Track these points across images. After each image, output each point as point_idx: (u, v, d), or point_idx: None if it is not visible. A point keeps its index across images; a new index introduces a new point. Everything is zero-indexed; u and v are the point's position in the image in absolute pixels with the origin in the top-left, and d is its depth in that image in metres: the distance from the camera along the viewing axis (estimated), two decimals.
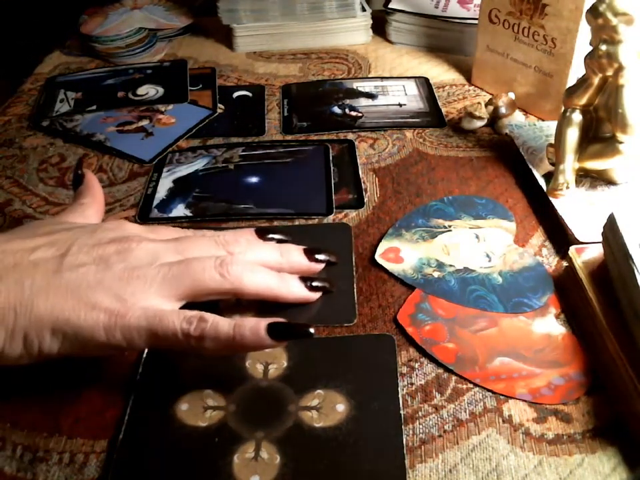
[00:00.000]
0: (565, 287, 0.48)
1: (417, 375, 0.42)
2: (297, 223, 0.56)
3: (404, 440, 0.38)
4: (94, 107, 0.75)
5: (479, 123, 0.67)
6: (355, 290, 0.49)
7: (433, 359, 0.43)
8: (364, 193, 0.59)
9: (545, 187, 0.56)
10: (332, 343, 0.44)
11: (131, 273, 0.37)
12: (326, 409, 0.39)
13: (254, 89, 0.79)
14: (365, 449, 0.37)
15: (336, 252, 0.49)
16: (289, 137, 0.69)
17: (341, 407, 0.40)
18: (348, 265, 0.51)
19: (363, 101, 0.74)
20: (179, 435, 0.38)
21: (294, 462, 0.37)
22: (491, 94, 0.74)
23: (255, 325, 0.37)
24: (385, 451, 0.37)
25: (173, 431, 0.39)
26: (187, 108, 0.74)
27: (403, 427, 0.39)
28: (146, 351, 0.44)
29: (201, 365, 0.43)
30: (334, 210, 0.57)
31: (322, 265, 0.47)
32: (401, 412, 0.39)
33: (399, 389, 0.41)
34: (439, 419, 0.40)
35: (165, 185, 0.61)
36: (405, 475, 0.36)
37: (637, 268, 0.39)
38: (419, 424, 0.39)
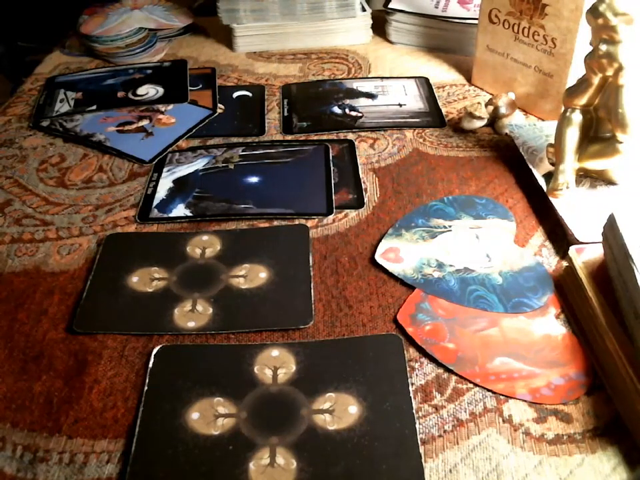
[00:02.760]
0: (565, 286, 0.48)
1: (417, 375, 0.42)
2: (297, 222, 0.56)
3: (418, 438, 0.38)
4: (94, 107, 0.75)
5: (478, 123, 0.67)
6: (312, 292, 0.48)
7: (433, 359, 0.43)
8: (364, 192, 0.59)
9: (545, 187, 0.56)
10: (339, 345, 0.44)
11: None
12: (338, 411, 0.39)
13: (254, 89, 0.79)
14: (381, 449, 0.37)
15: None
16: (289, 137, 0.69)
17: (354, 409, 0.40)
18: (305, 267, 0.51)
19: (363, 101, 0.74)
20: (191, 445, 0.38)
21: (311, 466, 0.36)
22: (491, 94, 0.74)
23: None
24: (400, 449, 0.37)
25: (186, 441, 0.38)
26: (187, 108, 0.74)
27: (417, 425, 0.39)
28: (152, 360, 0.43)
29: (209, 371, 0.42)
30: (334, 210, 0.57)
31: None
32: (414, 410, 0.39)
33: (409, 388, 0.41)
34: (439, 419, 0.40)
35: (165, 184, 0.61)
36: (423, 473, 0.36)
37: (637, 268, 0.39)
38: (419, 424, 0.39)
